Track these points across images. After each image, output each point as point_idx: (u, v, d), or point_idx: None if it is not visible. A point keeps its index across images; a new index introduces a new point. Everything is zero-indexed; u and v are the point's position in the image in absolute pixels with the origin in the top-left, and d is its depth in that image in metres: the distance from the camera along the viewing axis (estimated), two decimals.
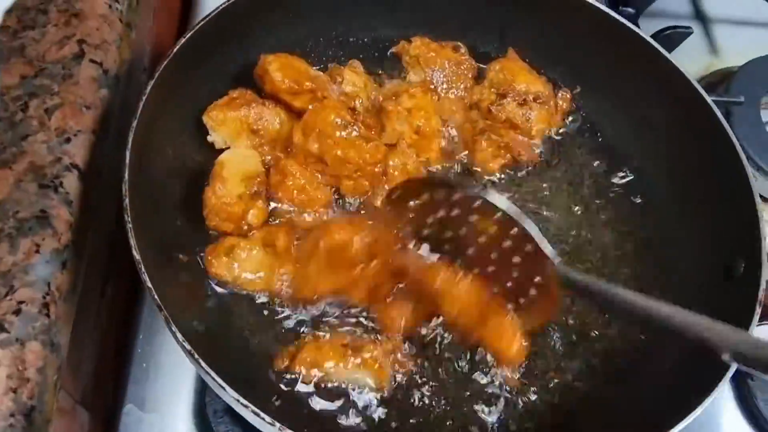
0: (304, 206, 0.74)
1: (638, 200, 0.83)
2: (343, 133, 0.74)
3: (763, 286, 0.62)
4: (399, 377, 0.68)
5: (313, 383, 0.66)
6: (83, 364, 0.68)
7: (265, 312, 0.69)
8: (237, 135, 0.75)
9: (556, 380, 0.70)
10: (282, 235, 0.70)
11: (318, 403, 0.65)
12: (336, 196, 0.77)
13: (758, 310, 0.61)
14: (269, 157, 0.76)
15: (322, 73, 0.81)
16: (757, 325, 0.60)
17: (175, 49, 0.68)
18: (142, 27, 0.83)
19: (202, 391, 0.72)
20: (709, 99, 0.77)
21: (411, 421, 0.66)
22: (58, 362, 0.55)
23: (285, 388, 0.65)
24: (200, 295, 0.68)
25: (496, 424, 0.67)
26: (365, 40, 0.88)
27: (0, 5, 0.43)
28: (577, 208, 0.82)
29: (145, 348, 0.75)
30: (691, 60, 1.11)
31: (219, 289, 0.69)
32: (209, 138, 0.75)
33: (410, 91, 0.80)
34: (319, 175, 0.75)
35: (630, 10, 1.11)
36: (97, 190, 0.64)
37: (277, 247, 0.70)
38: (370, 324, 0.69)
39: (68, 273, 0.57)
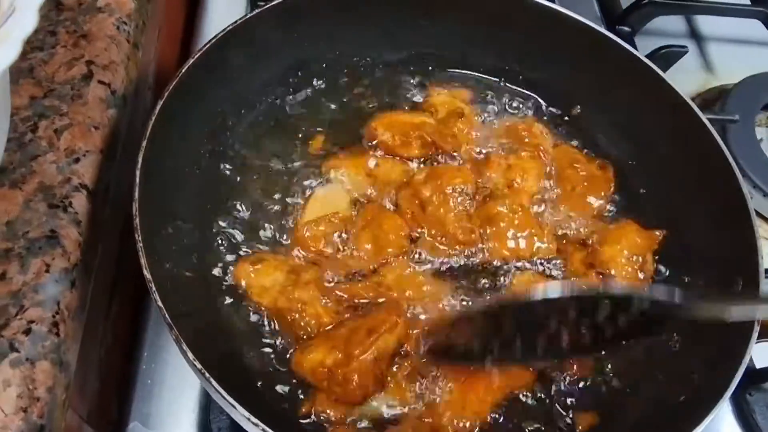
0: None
1: (638, 217, 0.82)
2: (458, 199, 0.77)
3: None
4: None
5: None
6: (89, 382, 0.68)
7: (272, 334, 0.70)
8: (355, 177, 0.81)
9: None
10: (312, 272, 0.72)
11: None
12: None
13: (757, 328, 0.61)
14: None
15: (423, 116, 0.86)
16: (756, 342, 0.61)
17: (181, 72, 0.69)
18: (148, 46, 0.84)
19: (207, 408, 0.72)
20: (704, 117, 0.78)
21: None
22: (67, 381, 0.55)
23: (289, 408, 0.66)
24: (208, 313, 0.69)
25: None
26: (366, 59, 0.90)
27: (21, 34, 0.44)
28: None
29: (150, 365, 0.75)
30: (687, 78, 1.13)
31: (227, 308, 0.70)
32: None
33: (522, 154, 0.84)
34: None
35: (626, 29, 1.13)
36: (104, 209, 0.65)
37: (301, 278, 0.71)
38: None
39: (77, 292, 0.57)
